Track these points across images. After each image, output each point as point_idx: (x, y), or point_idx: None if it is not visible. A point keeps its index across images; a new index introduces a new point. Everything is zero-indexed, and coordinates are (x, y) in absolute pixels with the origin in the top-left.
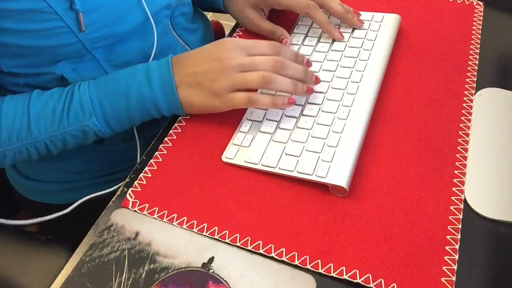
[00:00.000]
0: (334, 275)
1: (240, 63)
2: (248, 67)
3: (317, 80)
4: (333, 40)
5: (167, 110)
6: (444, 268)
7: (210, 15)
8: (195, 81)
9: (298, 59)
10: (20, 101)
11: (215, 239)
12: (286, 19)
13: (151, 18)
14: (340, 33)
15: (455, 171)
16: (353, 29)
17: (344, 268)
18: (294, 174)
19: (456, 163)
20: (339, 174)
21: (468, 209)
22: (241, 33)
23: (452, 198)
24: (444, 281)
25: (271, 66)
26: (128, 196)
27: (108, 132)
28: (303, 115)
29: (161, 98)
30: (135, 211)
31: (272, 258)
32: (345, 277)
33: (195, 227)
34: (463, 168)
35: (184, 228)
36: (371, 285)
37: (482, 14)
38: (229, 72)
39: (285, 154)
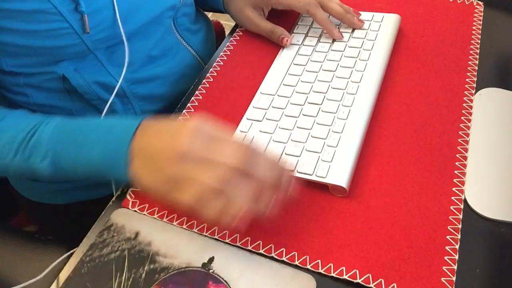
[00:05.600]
0: (334, 275)
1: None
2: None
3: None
4: (333, 40)
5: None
6: (444, 268)
7: (210, 15)
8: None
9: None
10: None
11: (215, 239)
12: (286, 19)
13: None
14: (340, 33)
15: (455, 171)
16: (353, 29)
17: (344, 268)
18: (294, 174)
19: (456, 163)
20: (339, 174)
21: (468, 209)
22: (241, 33)
23: (452, 198)
24: (444, 281)
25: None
26: (128, 196)
27: (59, 176)
28: (303, 115)
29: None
30: (135, 211)
31: (272, 258)
32: (345, 277)
33: (195, 227)
34: (463, 168)
35: (184, 228)
36: (371, 285)
37: (482, 14)
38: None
39: (285, 154)
